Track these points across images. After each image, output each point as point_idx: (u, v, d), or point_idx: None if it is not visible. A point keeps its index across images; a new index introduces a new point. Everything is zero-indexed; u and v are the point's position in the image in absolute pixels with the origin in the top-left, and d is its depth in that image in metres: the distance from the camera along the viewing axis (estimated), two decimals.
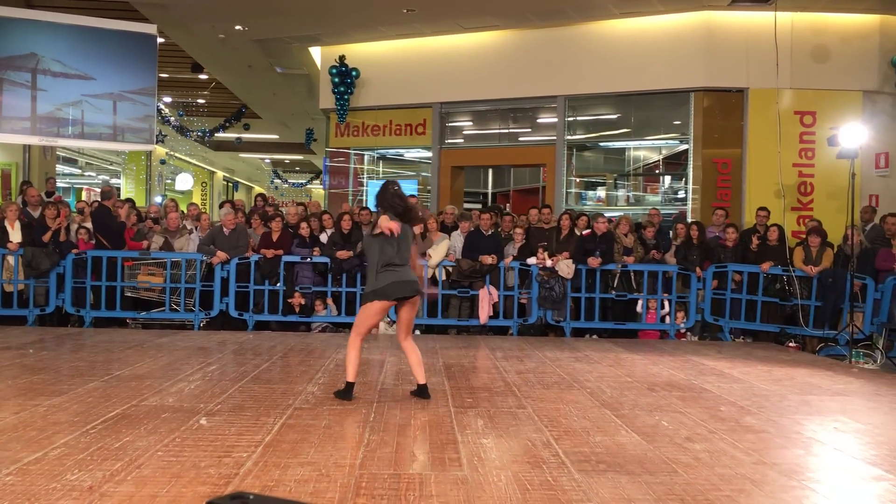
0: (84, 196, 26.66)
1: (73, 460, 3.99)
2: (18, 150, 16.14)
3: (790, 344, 9.90)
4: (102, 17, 13.07)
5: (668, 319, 10.38)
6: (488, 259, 10.18)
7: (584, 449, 4.52)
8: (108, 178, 30.46)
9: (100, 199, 11.40)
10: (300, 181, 38.67)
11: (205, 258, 10.25)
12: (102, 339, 8.82)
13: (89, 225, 10.45)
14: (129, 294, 10.29)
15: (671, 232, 11.26)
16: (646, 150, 14.07)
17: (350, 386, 5.78)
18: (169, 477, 3.76)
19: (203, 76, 17.93)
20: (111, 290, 10.14)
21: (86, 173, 30.33)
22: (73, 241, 10.30)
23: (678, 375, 7.31)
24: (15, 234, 10.11)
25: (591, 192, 13.97)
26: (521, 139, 14.32)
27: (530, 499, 3.62)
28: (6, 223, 10.19)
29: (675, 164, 13.33)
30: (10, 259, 10.03)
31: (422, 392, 5.88)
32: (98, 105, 12.92)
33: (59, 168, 19.62)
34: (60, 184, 24.36)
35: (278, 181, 38.13)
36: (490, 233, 10.53)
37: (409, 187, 14.90)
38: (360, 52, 14.30)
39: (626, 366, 7.85)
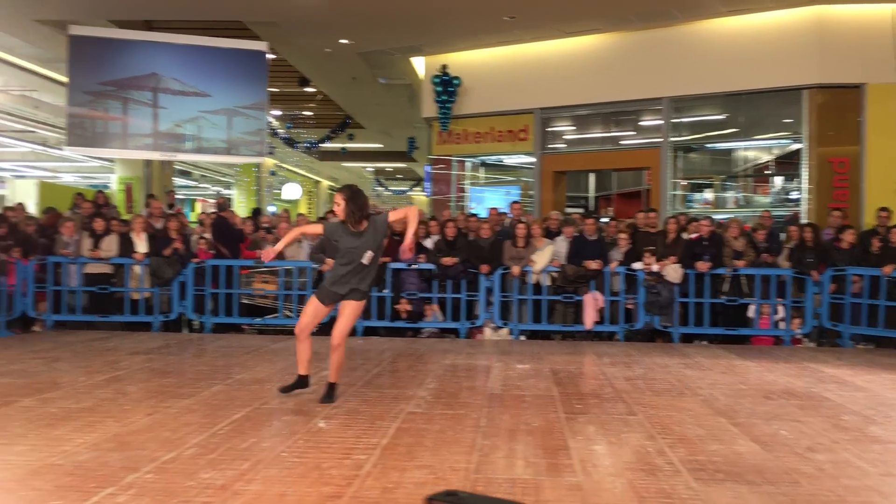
0: (200, 207, 27.96)
1: (205, 460, 4.23)
2: (139, 164, 17.10)
3: None
4: (216, 37, 13.72)
5: (782, 325, 10.04)
6: (593, 264, 10.11)
7: (699, 457, 4.46)
8: (220, 189, 31.82)
9: (217, 211, 11.96)
10: (401, 188, 39.29)
11: (315, 266, 10.59)
12: (222, 345, 9.25)
13: (209, 235, 10.97)
14: (244, 301, 10.74)
15: (783, 234, 10.88)
16: (755, 150, 13.65)
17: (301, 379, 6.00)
18: (294, 477, 3.94)
19: (310, 89, 18.49)
20: (228, 297, 10.61)
21: (200, 185, 31.79)
22: (194, 250, 10.82)
23: (796, 383, 7.07)
24: (141, 245, 10.72)
25: (697, 195, 13.66)
26: (623, 142, 14.14)
27: None
28: (133, 234, 10.81)
29: (786, 163, 12.87)
30: (137, 268, 10.64)
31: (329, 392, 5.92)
32: (214, 120, 13.55)
33: (176, 181, 20.62)
34: (176, 195, 25.58)
35: (380, 189, 38.84)
36: (594, 238, 10.46)
37: (510, 193, 14.97)
38: (461, 60, 14.47)
39: (740, 373, 7.65)
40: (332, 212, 5.81)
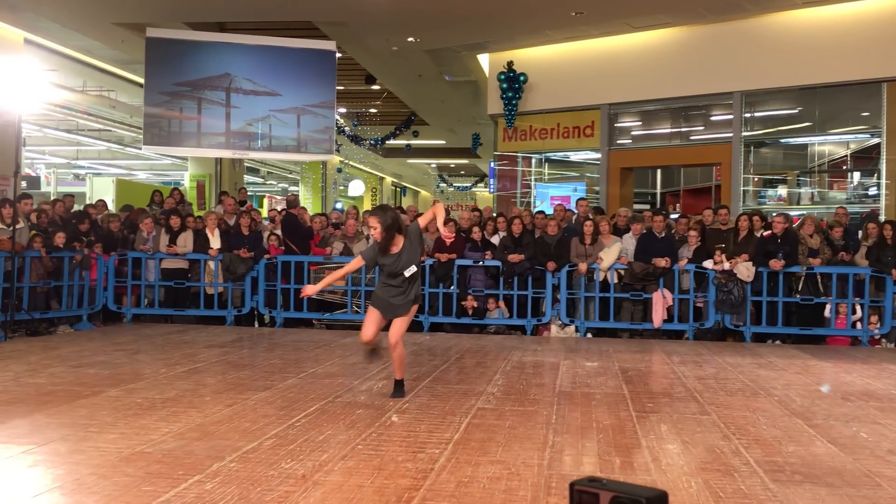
0: (266, 204, 28.53)
1: (284, 450, 4.35)
2: (211, 162, 17.58)
3: None
4: (287, 37, 13.99)
5: (859, 325, 9.77)
6: (662, 262, 10.00)
7: (776, 458, 4.40)
8: (287, 185, 32.42)
9: (287, 208, 12.21)
10: (465, 185, 39.36)
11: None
12: (293, 339, 9.46)
13: (279, 232, 11.21)
14: (314, 296, 10.93)
15: (860, 232, 10.58)
16: (831, 144, 13.30)
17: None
18: (371, 469, 4.03)
19: (376, 87, 18.70)
20: (299, 292, 10.81)
21: (267, 182, 32.43)
22: (265, 246, 11.07)
23: (875, 384, 6.89)
24: (215, 241, 11.02)
25: (770, 191, 13.35)
26: (692, 138, 13.93)
27: None
28: (207, 231, 11.12)
29: (864, 158, 12.51)
30: (211, 264, 10.94)
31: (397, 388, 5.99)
32: (284, 119, 13.83)
33: (245, 178, 21.13)
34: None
35: (444, 185, 38.98)
36: (663, 235, 10.34)
37: (576, 190, 14.88)
38: (527, 56, 14.44)
39: (816, 373, 7.49)
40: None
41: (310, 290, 6.17)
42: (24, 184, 17.78)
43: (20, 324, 9.40)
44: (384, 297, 5.91)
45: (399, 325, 5.89)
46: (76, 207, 11.82)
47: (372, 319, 5.94)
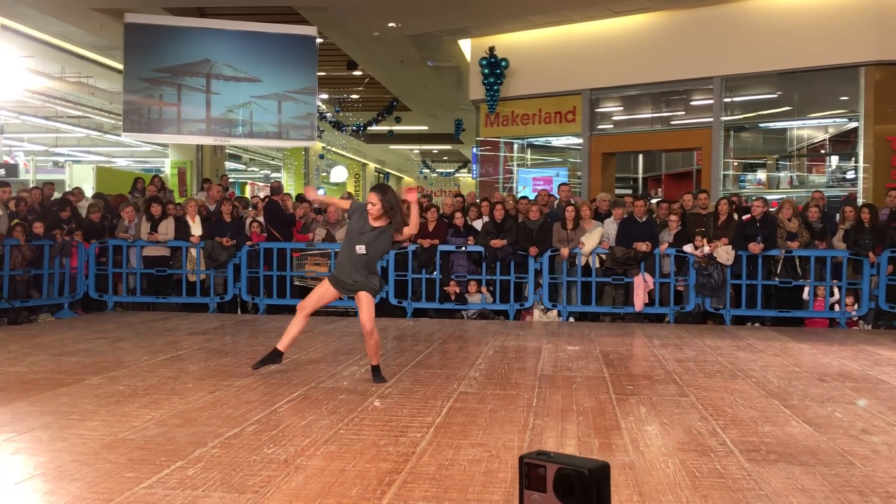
0: (249, 190, 28.41)
1: (267, 436, 4.38)
2: (192, 149, 17.45)
3: None
4: (267, 22, 13.90)
5: (837, 307, 9.90)
6: (643, 246, 10.08)
7: (752, 439, 4.48)
8: (269, 172, 32.27)
9: (269, 195, 12.17)
10: (448, 171, 39.32)
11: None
12: (276, 325, 9.43)
13: (262, 219, 11.18)
14: (297, 283, 10.95)
15: (837, 215, 10.69)
16: (810, 129, 13.41)
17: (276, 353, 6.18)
18: (353, 453, 4.06)
19: (357, 73, 18.62)
20: (281, 279, 10.83)
21: (249, 168, 32.26)
22: (247, 233, 11.05)
23: (851, 365, 7.00)
24: (196, 228, 10.99)
25: (750, 175, 13.46)
26: (673, 123, 13.99)
27: (700, 486, 3.65)
28: (187, 218, 11.08)
29: (842, 142, 12.62)
30: (193, 251, 10.90)
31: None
32: (265, 105, 13.76)
33: (227, 165, 21.02)
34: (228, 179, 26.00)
35: (427, 171, 38.94)
36: (644, 219, 10.41)
37: (558, 175, 14.93)
38: (508, 42, 14.42)
39: (793, 355, 7.59)
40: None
41: (311, 193, 7.28)
42: (2, 171, 17.63)
43: (1, 312, 9.34)
44: (340, 274, 6.01)
45: (366, 310, 5.92)
46: (56, 195, 11.73)
47: (318, 291, 6.16)
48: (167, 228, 10.89)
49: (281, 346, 6.17)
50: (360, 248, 5.88)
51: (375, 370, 6.05)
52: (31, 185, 14.86)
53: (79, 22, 13.65)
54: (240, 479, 3.62)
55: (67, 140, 25.24)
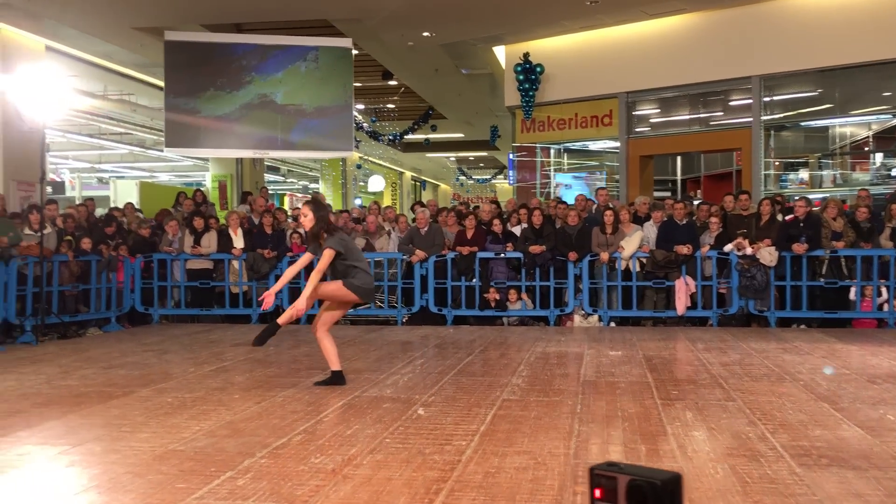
0: (287, 202, 28.70)
1: (314, 445, 4.43)
2: (231, 162, 17.72)
3: None
4: (302, 35, 14.06)
5: (885, 307, 9.69)
6: (684, 249, 9.98)
7: (803, 443, 4.40)
8: (307, 183, 32.56)
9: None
10: (484, 177, 39.31)
11: (405, 257, 10.79)
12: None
13: (302, 230, 11.28)
14: None
15: (883, 213, 10.48)
16: (852, 126, 13.16)
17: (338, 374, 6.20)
18: (399, 462, 4.09)
19: (393, 82, 18.73)
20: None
21: (287, 180, 32.60)
22: (288, 244, 11.16)
23: None
24: (238, 241, 11.14)
25: (792, 175, 13.25)
26: (712, 123, 13.83)
27: (751, 491, 3.60)
28: (230, 230, 11.24)
29: (887, 139, 12.37)
30: (235, 263, 11.05)
31: (337, 379, 6.17)
32: (302, 117, 13.87)
33: (266, 177, 21.27)
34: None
35: (463, 178, 38.97)
36: (685, 222, 10.31)
37: (595, 179, 14.86)
38: (543, 47, 14.40)
39: (842, 357, 7.45)
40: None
41: (269, 298, 6.29)
42: (49, 189, 18.05)
43: (51, 327, 9.57)
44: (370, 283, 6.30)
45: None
46: (99, 210, 11.98)
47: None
48: (210, 241, 11.06)
49: (335, 366, 6.23)
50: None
51: (337, 375, 6.23)
52: (77, 202, 15.20)
53: (120, 41, 13.94)
54: (289, 489, 3.66)
55: (111, 157, 25.74)
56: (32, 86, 10.08)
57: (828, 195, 11.61)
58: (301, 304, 5.94)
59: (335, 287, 6.12)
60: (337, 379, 6.18)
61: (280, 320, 6.11)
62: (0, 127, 11.78)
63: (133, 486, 3.75)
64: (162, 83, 14.00)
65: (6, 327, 9.31)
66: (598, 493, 2.34)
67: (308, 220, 6.08)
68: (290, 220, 12.04)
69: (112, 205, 16.62)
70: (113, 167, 27.32)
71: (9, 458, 4.24)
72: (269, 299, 6.20)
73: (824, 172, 13.18)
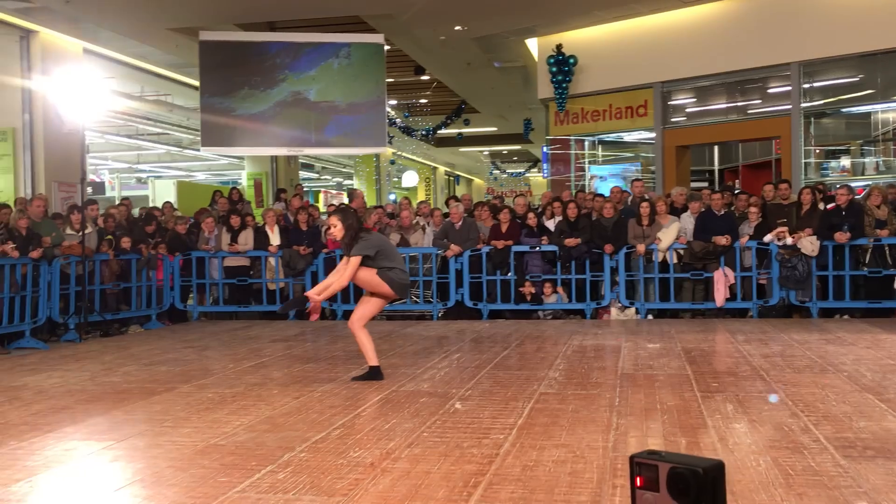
0: (322, 198, 28.91)
1: (352, 439, 4.45)
2: (266, 160, 17.88)
3: None
4: (335, 32, 14.12)
5: None
6: (722, 240, 9.85)
7: (847, 434, 4.32)
8: (341, 180, 32.76)
9: (346, 202, 12.36)
10: (518, 171, 39.17)
11: (439, 252, 10.80)
12: None
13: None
14: None
15: None
16: (895, 112, 12.85)
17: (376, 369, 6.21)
18: (437, 456, 4.09)
19: (425, 77, 18.73)
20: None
21: (322, 177, 32.83)
22: (323, 241, 11.23)
23: None
24: (274, 238, 11.24)
25: (833, 162, 12.98)
26: (750, 112, 13.61)
27: (794, 484, 3.54)
28: (266, 228, 11.35)
29: None
30: (272, 260, 11.16)
31: (374, 374, 6.19)
32: (336, 114, 13.94)
33: (300, 174, 21.43)
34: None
35: (497, 172, 38.88)
36: (723, 212, 10.17)
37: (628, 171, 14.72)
38: (576, 38, 14.29)
39: (887, 347, 7.30)
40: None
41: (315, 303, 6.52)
42: (89, 190, 18.37)
43: (94, 325, 9.74)
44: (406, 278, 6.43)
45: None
46: (135, 210, 12.15)
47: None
48: (246, 239, 11.17)
49: (372, 361, 6.24)
50: None
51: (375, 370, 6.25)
52: (117, 202, 15.45)
53: (156, 42, 14.12)
54: (328, 483, 3.68)
55: (149, 157, 26.16)
56: (71, 88, 10.27)
57: (870, 183, 11.36)
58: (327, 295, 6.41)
59: (370, 275, 6.15)
60: (374, 374, 6.19)
61: (309, 293, 6.37)
62: (41, 130, 12.03)
63: (176, 479, 3.80)
64: (197, 83, 14.16)
65: (51, 326, 9.51)
66: (638, 481, 2.31)
67: (338, 230, 6.11)
68: (322, 217, 12.11)
69: (151, 204, 16.84)
70: (151, 167, 27.75)
71: (55, 454, 4.33)
72: (315, 315, 6.85)
73: (866, 160, 12.89)
